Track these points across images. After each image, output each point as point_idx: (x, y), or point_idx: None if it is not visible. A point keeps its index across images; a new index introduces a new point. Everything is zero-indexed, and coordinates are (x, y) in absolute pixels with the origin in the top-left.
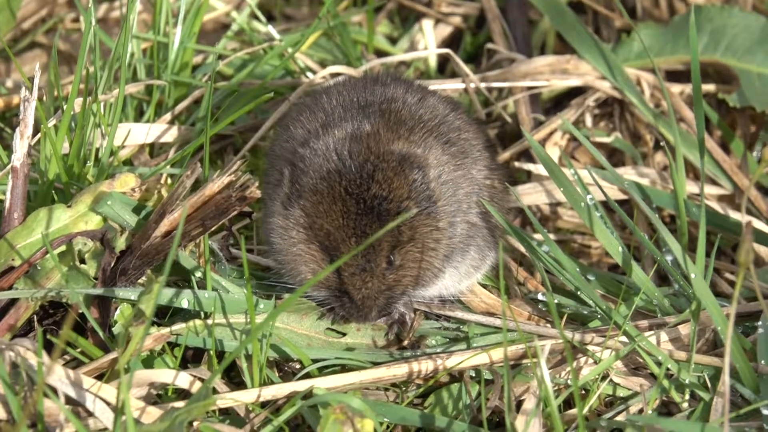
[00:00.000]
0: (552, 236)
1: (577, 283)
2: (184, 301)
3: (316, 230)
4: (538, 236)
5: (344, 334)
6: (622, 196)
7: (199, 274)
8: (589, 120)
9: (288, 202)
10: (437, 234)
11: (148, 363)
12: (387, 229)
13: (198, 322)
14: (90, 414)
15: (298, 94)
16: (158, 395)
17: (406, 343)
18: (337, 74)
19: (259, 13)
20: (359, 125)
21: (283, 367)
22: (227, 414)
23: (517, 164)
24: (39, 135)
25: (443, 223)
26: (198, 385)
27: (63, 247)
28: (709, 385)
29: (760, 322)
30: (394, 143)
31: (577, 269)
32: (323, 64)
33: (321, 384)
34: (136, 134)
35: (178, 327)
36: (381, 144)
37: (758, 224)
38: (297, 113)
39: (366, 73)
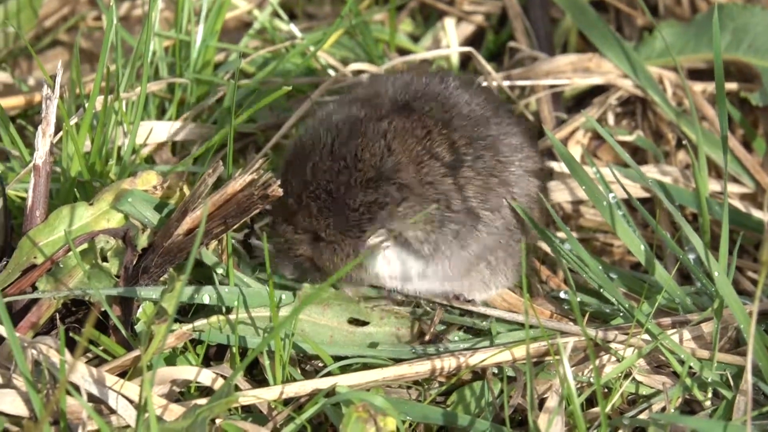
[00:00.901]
0: (574, 234)
1: (600, 282)
2: (206, 297)
3: (283, 170)
4: (561, 234)
5: (367, 323)
6: (644, 195)
7: (221, 271)
8: (611, 118)
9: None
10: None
11: (170, 361)
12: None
13: (221, 317)
14: (112, 411)
15: (320, 92)
16: (180, 393)
17: (428, 337)
18: (360, 71)
19: (281, 12)
20: (385, 114)
21: (306, 364)
22: (249, 411)
23: None
24: (61, 133)
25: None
26: (220, 382)
27: (85, 245)
28: (731, 383)
29: None
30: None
31: (600, 267)
32: (345, 63)
33: (343, 382)
34: (158, 132)
35: (201, 323)
36: (372, 128)
37: None
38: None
39: (437, 72)
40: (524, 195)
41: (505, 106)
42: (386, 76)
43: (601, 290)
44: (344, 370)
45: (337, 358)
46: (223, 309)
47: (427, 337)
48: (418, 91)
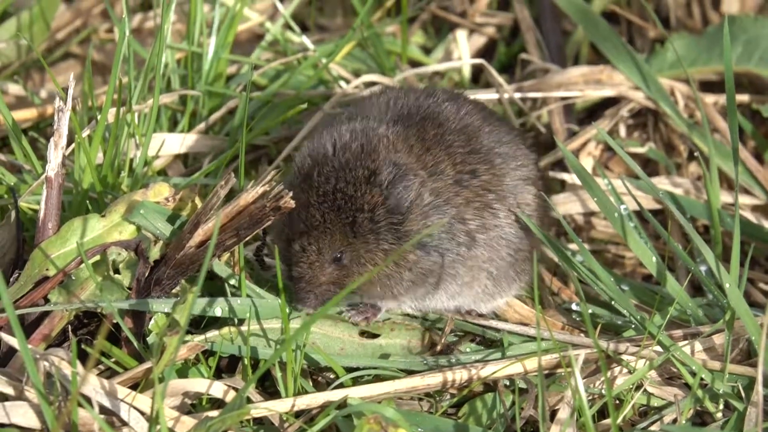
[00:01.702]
0: (586, 246)
1: (612, 293)
2: (218, 309)
3: (296, 193)
4: (572, 246)
5: (378, 335)
6: (655, 206)
7: (233, 283)
8: (623, 130)
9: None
10: (403, 256)
11: (182, 372)
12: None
13: (232, 329)
14: (124, 424)
15: (332, 104)
16: (192, 405)
17: (439, 348)
18: (372, 83)
19: (293, 24)
20: (378, 124)
21: (317, 376)
22: (261, 423)
23: (551, 174)
24: (73, 145)
25: (417, 255)
26: (232, 394)
27: (97, 257)
28: (743, 394)
29: None
30: (397, 154)
31: (612, 279)
32: (357, 75)
33: (355, 393)
34: (170, 144)
35: (212, 334)
36: (376, 145)
37: None
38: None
39: (427, 87)
40: (520, 204)
41: (495, 114)
42: (371, 99)
43: (613, 302)
44: (355, 382)
45: (348, 370)
46: (236, 321)
47: (438, 348)
48: (409, 108)
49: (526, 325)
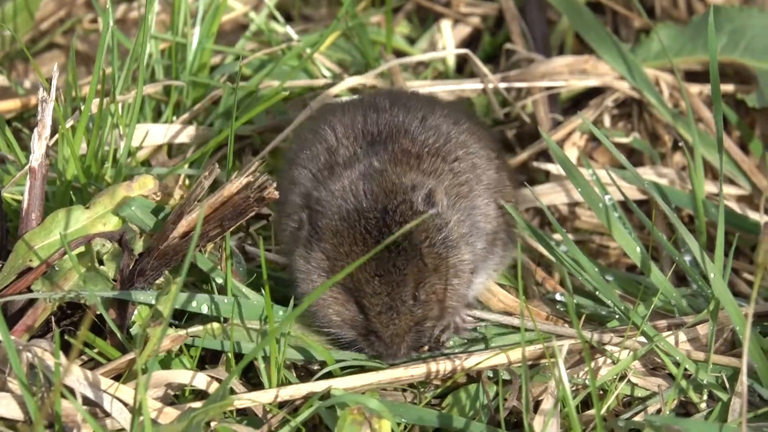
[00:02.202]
0: (570, 236)
1: (596, 284)
2: (204, 307)
3: (337, 272)
4: (556, 236)
5: None
6: (640, 196)
7: (217, 277)
8: (607, 120)
9: (308, 245)
10: (459, 264)
11: (165, 364)
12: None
13: (216, 325)
14: (107, 414)
15: (319, 99)
16: (175, 396)
17: (425, 347)
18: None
19: (277, 14)
20: (369, 162)
21: (301, 368)
22: (244, 414)
23: (535, 164)
24: (57, 136)
25: (464, 251)
26: (215, 385)
27: (81, 248)
28: (727, 385)
29: None
30: (407, 176)
31: (596, 269)
32: (342, 65)
33: (338, 385)
34: (154, 135)
35: (196, 329)
36: (393, 180)
37: None
38: (299, 150)
39: (364, 97)
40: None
41: (435, 100)
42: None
43: (597, 292)
44: (339, 373)
45: (334, 361)
46: (221, 319)
47: (425, 347)
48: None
49: (510, 314)
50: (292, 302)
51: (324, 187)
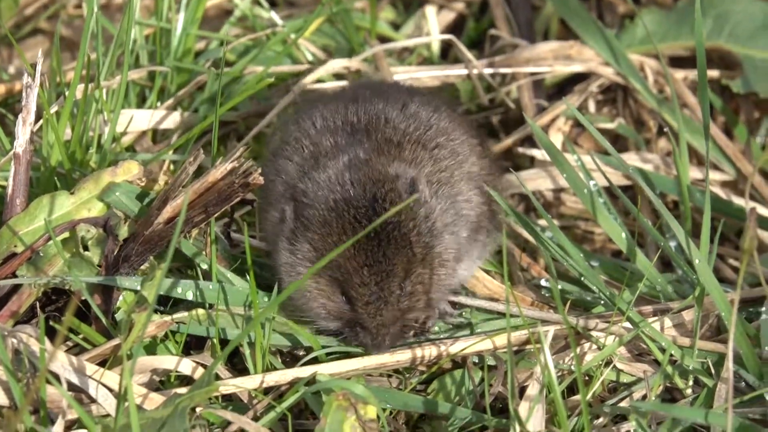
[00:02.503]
0: (555, 222)
1: (581, 269)
2: (189, 293)
3: (326, 264)
4: (541, 222)
5: None
6: (625, 182)
7: (202, 263)
8: (592, 106)
9: (293, 236)
10: (444, 253)
11: (150, 349)
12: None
13: (201, 311)
14: (92, 400)
15: (303, 84)
16: (161, 381)
17: (411, 333)
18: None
19: None
20: (353, 153)
21: (286, 354)
22: (230, 400)
23: (520, 150)
24: (41, 121)
25: (448, 240)
26: (200, 371)
27: (66, 234)
28: (712, 371)
29: (764, 308)
30: (391, 166)
31: (581, 255)
32: (326, 50)
33: (324, 370)
34: (138, 120)
35: (181, 315)
36: (378, 169)
37: (762, 210)
38: (283, 144)
39: (344, 90)
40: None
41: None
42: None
43: (582, 278)
44: (325, 359)
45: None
46: (206, 305)
47: (410, 333)
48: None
49: (495, 300)
50: (276, 288)
51: (309, 178)
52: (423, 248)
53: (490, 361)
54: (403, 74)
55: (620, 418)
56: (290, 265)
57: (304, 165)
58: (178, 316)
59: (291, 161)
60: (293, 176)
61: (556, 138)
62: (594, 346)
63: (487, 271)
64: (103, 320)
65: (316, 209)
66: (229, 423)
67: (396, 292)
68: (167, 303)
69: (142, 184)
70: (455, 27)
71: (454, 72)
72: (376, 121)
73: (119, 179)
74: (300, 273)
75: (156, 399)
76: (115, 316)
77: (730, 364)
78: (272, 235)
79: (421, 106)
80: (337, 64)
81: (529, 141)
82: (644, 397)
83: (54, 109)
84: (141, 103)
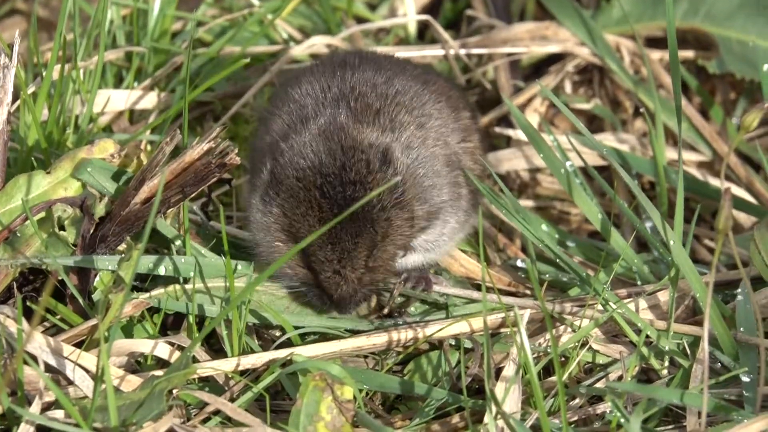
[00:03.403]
0: (531, 203)
1: (556, 252)
2: (161, 269)
3: (294, 233)
4: (520, 202)
5: None
6: (602, 163)
7: (178, 242)
8: (568, 86)
9: (267, 196)
10: (409, 223)
11: (127, 330)
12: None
13: (177, 287)
14: (70, 382)
15: (280, 64)
16: (137, 362)
17: (386, 311)
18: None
19: None
20: (329, 119)
21: (263, 333)
22: (207, 381)
23: (496, 130)
24: (18, 102)
25: (417, 208)
26: (177, 354)
27: (42, 214)
28: (688, 352)
29: (739, 290)
30: (363, 132)
31: (556, 236)
32: (303, 31)
33: (301, 353)
34: (115, 101)
35: (158, 292)
36: (351, 137)
37: (737, 191)
38: (273, 105)
39: (334, 55)
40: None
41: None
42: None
43: (558, 260)
44: (301, 339)
45: (294, 328)
46: (181, 279)
47: (385, 311)
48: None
49: (471, 279)
50: (251, 269)
51: (289, 139)
52: (386, 223)
53: (467, 344)
54: None
55: (596, 398)
56: (264, 226)
57: (290, 127)
58: (155, 293)
59: (278, 122)
60: (279, 135)
61: (533, 118)
62: (570, 328)
63: (464, 251)
64: (80, 300)
65: (287, 176)
66: (206, 404)
67: (359, 270)
68: (144, 281)
69: (116, 161)
70: (432, 7)
71: (430, 53)
72: (361, 87)
73: (95, 158)
74: (272, 235)
75: (133, 381)
76: (92, 296)
77: (705, 345)
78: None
79: (410, 77)
80: (319, 41)
81: (506, 121)
82: (620, 378)
83: (31, 89)
84: (118, 83)
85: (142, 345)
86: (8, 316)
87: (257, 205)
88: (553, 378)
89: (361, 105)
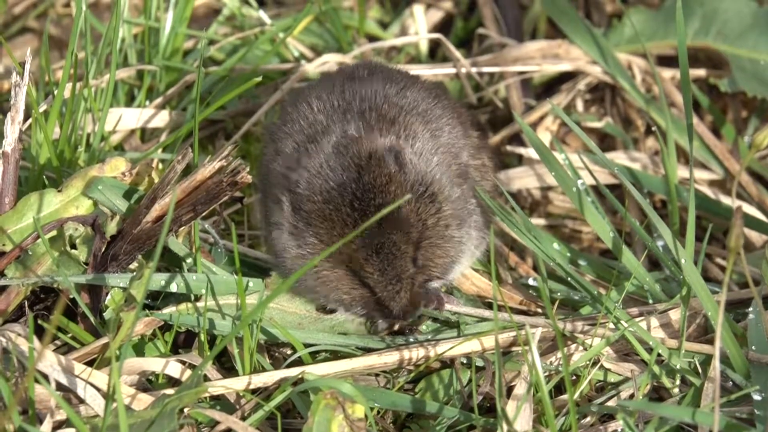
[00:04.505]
0: (543, 221)
1: (567, 271)
2: (173, 286)
3: (337, 255)
4: (533, 221)
5: (335, 311)
6: (614, 181)
7: (190, 260)
8: (580, 105)
9: (296, 230)
10: (445, 218)
11: (139, 348)
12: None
13: (189, 305)
14: (81, 401)
15: (291, 82)
16: (149, 381)
17: (397, 327)
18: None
19: None
20: (343, 134)
21: (274, 351)
22: (218, 399)
23: (508, 148)
24: (30, 120)
25: (446, 206)
26: (189, 372)
27: (54, 232)
28: (700, 370)
29: (750, 308)
30: (379, 141)
31: (568, 254)
32: (315, 49)
33: (312, 371)
34: (127, 119)
35: (169, 310)
36: (364, 147)
37: (749, 209)
38: (281, 124)
39: (342, 68)
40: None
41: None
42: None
43: (569, 278)
44: (312, 358)
45: (306, 346)
46: (192, 297)
47: (396, 327)
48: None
49: (482, 298)
50: (263, 288)
51: (303, 166)
52: (420, 220)
53: (478, 362)
54: None
55: (608, 417)
56: (302, 258)
57: (298, 147)
58: (166, 311)
59: (289, 143)
60: (292, 161)
61: (544, 137)
62: (581, 347)
63: (476, 269)
64: (92, 319)
65: (313, 202)
66: (217, 422)
67: (409, 270)
68: (156, 300)
69: (127, 179)
70: (443, 26)
71: (442, 71)
72: (373, 99)
73: (106, 176)
74: (315, 266)
75: (144, 399)
76: (104, 314)
77: (716, 364)
78: (271, 221)
79: (421, 91)
80: (330, 59)
81: (517, 139)
82: (632, 396)
83: (43, 107)
84: (129, 101)
85: (154, 363)
86: (20, 335)
87: (287, 242)
88: (565, 396)
89: (375, 115)
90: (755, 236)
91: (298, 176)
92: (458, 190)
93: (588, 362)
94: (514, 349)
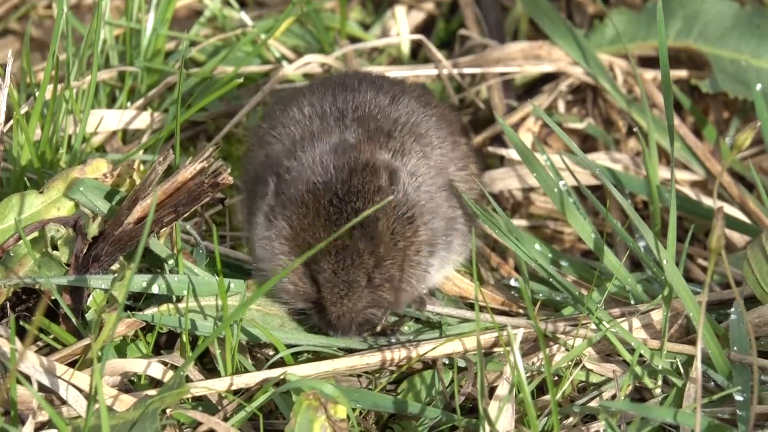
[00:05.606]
0: (525, 222)
1: (549, 271)
2: (154, 288)
3: (299, 243)
4: (515, 222)
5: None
6: (595, 182)
7: (172, 261)
8: (561, 106)
9: (272, 212)
10: (418, 243)
11: (120, 349)
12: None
13: (171, 306)
14: (63, 402)
15: (273, 83)
16: (131, 382)
17: (379, 329)
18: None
19: (231, 0)
20: (340, 138)
21: (256, 352)
22: (200, 400)
23: (490, 149)
24: (11, 122)
25: (422, 232)
26: (171, 373)
27: (35, 234)
28: (681, 371)
29: (732, 309)
30: (376, 153)
31: (549, 255)
32: (296, 51)
33: (294, 372)
34: (108, 121)
35: (151, 311)
36: (363, 156)
37: (730, 210)
38: (269, 127)
39: (333, 76)
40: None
41: (404, 83)
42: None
43: (551, 279)
44: (294, 359)
45: (288, 346)
46: (174, 298)
47: (378, 329)
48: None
49: (464, 299)
50: (244, 288)
51: (295, 158)
52: (392, 240)
53: (461, 363)
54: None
55: (590, 417)
56: (267, 240)
57: (293, 146)
58: (148, 312)
59: (278, 146)
60: (282, 155)
61: (526, 138)
62: (563, 347)
63: (458, 271)
64: (73, 320)
65: (296, 188)
66: (199, 423)
67: (362, 283)
68: (137, 301)
69: (108, 180)
70: (425, 27)
71: (424, 72)
72: (367, 108)
73: (88, 178)
74: (275, 248)
75: (127, 400)
76: (85, 315)
77: (698, 364)
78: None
79: (412, 99)
80: (311, 60)
81: (499, 140)
82: (614, 396)
83: (24, 109)
84: (111, 103)
85: (136, 364)
86: (1, 336)
87: (261, 222)
88: (547, 397)
89: (372, 126)
90: (737, 237)
91: (290, 165)
92: (441, 219)
93: (570, 363)
94: (496, 349)
